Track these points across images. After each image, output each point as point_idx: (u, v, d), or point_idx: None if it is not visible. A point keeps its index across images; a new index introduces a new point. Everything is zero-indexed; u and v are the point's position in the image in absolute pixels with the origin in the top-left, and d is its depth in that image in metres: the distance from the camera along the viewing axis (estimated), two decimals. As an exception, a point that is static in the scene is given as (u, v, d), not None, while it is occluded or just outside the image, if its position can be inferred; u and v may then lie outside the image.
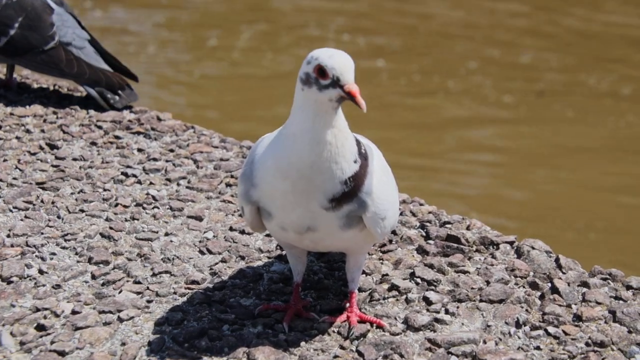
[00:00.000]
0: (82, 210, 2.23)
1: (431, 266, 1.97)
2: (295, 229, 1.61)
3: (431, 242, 2.08)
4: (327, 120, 1.52)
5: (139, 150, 2.63)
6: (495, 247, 2.07)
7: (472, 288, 1.88)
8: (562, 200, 4.41)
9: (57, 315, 1.76)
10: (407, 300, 1.84)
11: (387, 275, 1.93)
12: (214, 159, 2.56)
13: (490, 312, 1.81)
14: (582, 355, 1.67)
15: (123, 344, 1.68)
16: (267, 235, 2.11)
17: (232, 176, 2.45)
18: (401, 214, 2.21)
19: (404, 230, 2.14)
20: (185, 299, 1.83)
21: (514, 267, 1.97)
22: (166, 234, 2.12)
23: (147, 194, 2.33)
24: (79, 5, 6.78)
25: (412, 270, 1.95)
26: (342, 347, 1.68)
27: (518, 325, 1.76)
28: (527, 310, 1.82)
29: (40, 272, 1.93)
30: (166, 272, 1.94)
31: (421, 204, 2.30)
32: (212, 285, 1.89)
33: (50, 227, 2.14)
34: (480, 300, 1.85)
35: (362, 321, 1.74)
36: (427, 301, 1.83)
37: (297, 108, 1.54)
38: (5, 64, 3.13)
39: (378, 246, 2.06)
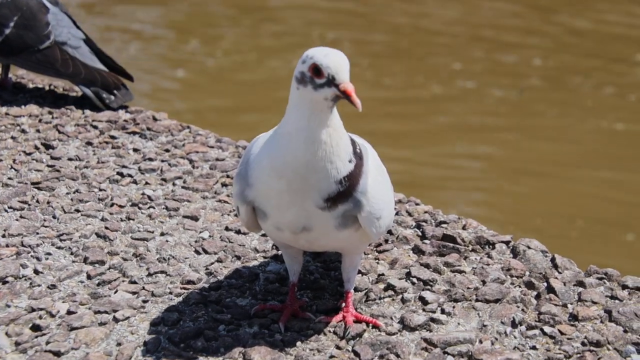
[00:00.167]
0: (77, 210, 2.22)
1: (427, 266, 1.97)
2: (291, 229, 1.61)
3: (427, 241, 2.08)
4: (322, 119, 1.52)
5: (135, 150, 2.63)
6: (491, 246, 2.07)
7: (468, 288, 1.88)
8: (546, 199, 4.44)
9: (52, 316, 1.76)
10: (403, 300, 1.84)
11: (383, 275, 1.93)
12: (209, 159, 2.56)
13: (486, 311, 1.81)
14: (578, 355, 1.67)
15: (119, 344, 1.67)
16: (263, 235, 2.11)
17: (227, 176, 2.44)
18: (397, 213, 2.21)
19: (399, 229, 2.14)
20: (181, 299, 1.83)
21: (510, 266, 1.97)
22: (162, 234, 2.12)
23: (143, 193, 2.33)
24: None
25: (408, 270, 1.95)
26: (338, 347, 1.67)
27: (514, 324, 1.76)
28: (523, 309, 1.82)
29: (36, 272, 1.92)
30: (162, 272, 1.94)
31: (417, 204, 2.30)
32: (208, 285, 1.88)
33: (46, 227, 2.13)
34: (476, 300, 1.85)
35: (358, 321, 1.74)
36: (423, 301, 1.83)
37: (292, 107, 1.54)
38: (1, 63, 3.12)
39: (374, 246, 2.06)
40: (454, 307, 1.81)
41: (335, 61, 1.49)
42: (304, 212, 1.57)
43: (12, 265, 1.93)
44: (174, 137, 2.73)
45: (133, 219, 2.19)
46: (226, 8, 7.24)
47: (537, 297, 1.87)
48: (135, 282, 1.90)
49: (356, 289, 1.87)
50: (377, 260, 2.00)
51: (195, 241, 2.09)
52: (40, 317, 1.75)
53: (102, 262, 1.98)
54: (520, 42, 6.54)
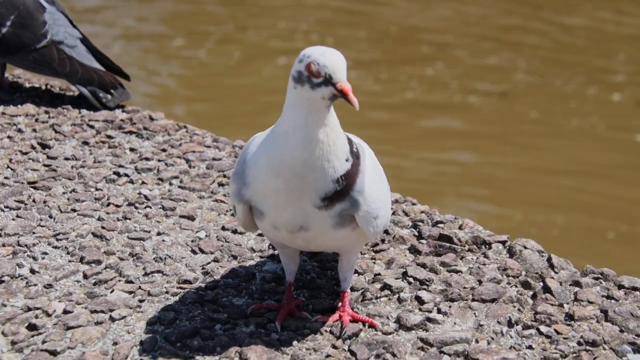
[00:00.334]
0: (74, 210, 2.22)
1: (423, 265, 1.97)
2: (288, 228, 1.61)
3: (423, 241, 2.08)
4: (319, 118, 1.52)
5: (131, 149, 2.63)
6: (487, 246, 2.07)
7: (465, 287, 1.89)
8: (531, 196, 4.46)
9: (48, 315, 1.76)
10: (400, 300, 1.84)
11: (379, 274, 1.94)
12: (206, 159, 2.56)
13: (483, 311, 1.81)
14: (574, 355, 1.67)
15: (115, 343, 1.67)
16: (260, 234, 2.11)
17: (224, 176, 2.44)
18: (393, 213, 2.21)
19: (396, 229, 2.14)
20: (177, 298, 1.83)
21: (506, 266, 1.97)
22: (158, 234, 2.12)
23: (139, 193, 2.32)
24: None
25: (404, 270, 1.95)
26: (334, 347, 1.67)
27: (510, 324, 1.76)
28: (519, 309, 1.82)
29: (32, 271, 1.92)
30: (158, 271, 1.94)
31: (414, 204, 2.30)
32: (205, 285, 1.88)
33: (42, 226, 2.13)
34: (473, 300, 1.85)
35: (354, 320, 1.74)
36: (420, 300, 1.83)
37: (290, 106, 1.54)
38: (-2, 62, 3.12)
39: (370, 245, 2.06)
40: (450, 306, 1.82)
41: (332, 60, 1.50)
42: (301, 211, 1.57)
43: (9, 264, 1.93)
44: (170, 137, 2.72)
45: (129, 219, 2.19)
46: (216, 6, 7.27)
47: (534, 296, 1.87)
48: (131, 282, 1.90)
49: (353, 289, 1.87)
50: (373, 260, 2.00)
51: (192, 241, 2.09)
52: (37, 317, 1.75)
53: (99, 262, 1.97)
54: (506, 43, 6.55)
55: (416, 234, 2.13)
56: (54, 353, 1.63)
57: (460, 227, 2.15)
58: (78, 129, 2.76)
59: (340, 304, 1.77)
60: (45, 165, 2.48)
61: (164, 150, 2.62)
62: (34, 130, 2.73)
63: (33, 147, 2.60)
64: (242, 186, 1.62)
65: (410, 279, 1.91)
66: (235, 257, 2.01)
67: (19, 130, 2.73)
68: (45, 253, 2.01)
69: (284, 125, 1.55)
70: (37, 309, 1.77)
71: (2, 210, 2.21)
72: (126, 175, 2.43)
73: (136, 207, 2.25)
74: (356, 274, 1.93)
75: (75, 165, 2.49)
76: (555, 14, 7.15)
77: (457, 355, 1.65)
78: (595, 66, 6.16)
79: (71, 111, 2.91)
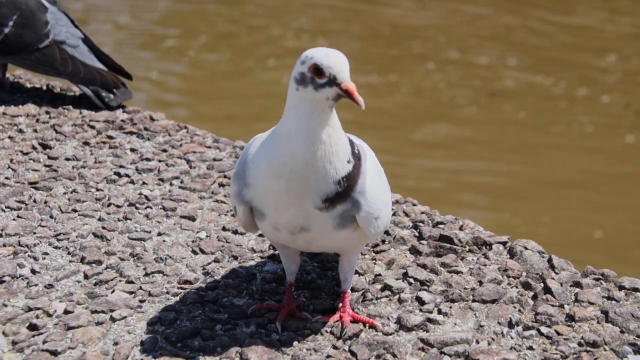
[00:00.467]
0: (74, 210, 2.22)
1: (424, 266, 1.97)
2: (289, 229, 1.61)
3: (424, 242, 2.08)
4: (322, 119, 1.52)
5: (132, 150, 2.63)
6: (488, 247, 2.07)
7: (465, 288, 1.89)
8: (519, 194, 4.47)
9: (49, 315, 1.76)
10: (400, 300, 1.84)
11: (380, 275, 1.94)
12: (207, 159, 2.56)
13: (483, 312, 1.81)
14: (575, 355, 1.67)
15: (115, 343, 1.67)
16: (260, 235, 2.11)
17: (225, 176, 2.44)
18: (394, 214, 2.22)
19: (396, 230, 2.15)
20: (178, 298, 1.83)
21: (507, 267, 1.97)
22: (159, 234, 2.12)
23: (140, 193, 2.33)
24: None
25: (405, 271, 1.95)
26: (334, 347, 1.68)
27: (511, 325, 1.77)
28: (519, 310, 1.82)
29: (33, 271, 1.92)
30: (159, 272, 1.94)
31: (414, 204, 2.30)
32: (205, 285, 1.88)
33: (43, 226, 2.13)
34: (473, 300, 1.85)
35: (354, 321, 1.74)
36: (420, 301, 1.83)
37: (292, 108, 1.54)
38: (-1, 63, 3.12)
39: (371, 246, 2.06)
40: (450, 307, 1.82)
41: (335, 61, 1.50)
42: (302, 213, 1.57)
43: (9, 264, 1.93)
44: (171, 137, 2.73)
45: (130, 219, 2.19)
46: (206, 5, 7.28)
47: (534, 297, 1.87)
48: (132, 282, 1.90)
49: (353, 289, 1.87)
50: (374, 261, 2.01)
51: (193, 241, 2.09)
52: (37, 317, 1.75)
53: (99, 262, 1.97)
54: (496, 42, 6.56)
55: (417, 234, 2.13)
56: (54, 353, 1.63)
57: (460, 228, 2.15)
58: (79, 130, 2.76)
59: (340, 304, 1.77)
60: (46, 166, 2.48)
61: (164, 150, 2.62)
62: (35, 131, 2.73)
63: (34, 148, 2.60)
64: (242, 187, 1.62)
65: (411, 280, 1.91)
66: (235, 258, 2.01)
67: (20, 131, 2.73)
68: (46, 253, 2.01)
69: (286, 127, 1.55)
70: (38, 309, 1.77)
71: (3, 211, 2.21)
72: (127, 175, 2.43)
73: (137, 208, 2.25)
74: (357, 275, 1.93)
75: (76, 166, 2.50)
76: (549, 14, 7.15)
77: (458, 355, 1.65)
78: (586, 66, 6.16)
79: (72, 111, 2.91)
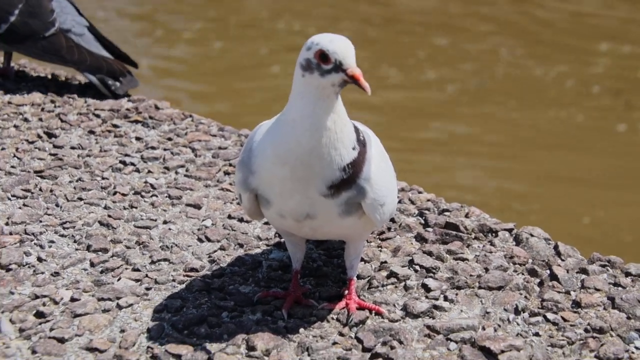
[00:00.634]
0: (80, 199, 2.22)
1: (430, 253, 1.97)
2: (294, 217, 1.61)
3: (430, 229, 2.08)
4: (328, 106, 1.52)
5: (137, 138, 2.63)
6: (493, 234, 2.07)
7: (471, 275, 1.89)
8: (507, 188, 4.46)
9: (56, 303, 1.76)
10: (406, 287, 1.84)
11: (385, 262, 1.94)
12: (212, 148, 2.56)
13: (489, 298, 1.81)
14: (581, 342, 1.67)
15: (122, 330, 1.68)
16: (266, 223, 2.11)
17: (230, 164, 2.44)
18: (400, 201, 2.21)
19: (402, 217, 2.14)
20: (184, 286, 1.83)
21: (513, 254, 1.97)
22: (165, 222, 2.12)
23: (146, 182, 2.33)
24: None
25: (410, 258, 1.95)
26: (341, 334, 1.68)
27: (517, 311, 1.76)
28: (526, 297, 1.82)
29: (39, 259, 1.93)
30: (165, 259, 1.94)
31: (420, 192, 2.30)
32: (211, 273, 1.89)
33: (49, 215, 2.14)
34: (479, 287, 1.85)
35: (361, 308, 1.74)
36: (426, 288, 1.83)
37: (297, 94, 1.54)
38: (4, 51, 3.12)
39: (377, 234, 2.06)
40: (456, 294, 1.82)
41: (341, 46, 1.49)
42: (308, 200, 1.57)
43: (16, 252, 1.93)
44: (176, 126, 2.73)
45: (136, 207, 2.19)
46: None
47: (540, 284, 1.87)
48: (138, 270, 1.90)
49: (359, 277, 1.87)
50: (379, 248, 2.01)
51: (198, 229, 2.09)
52: (44, 304, 1.75)
53: (105, 250, 1.98)
54: (488, 31, 6.53)
55: (422, 222, 2.13)
56: (61, 340, 1.64)
57: (466, 215, 2.15)
58: (84, 118, 2.76)
59: (346, 291, 1.77)
60: (51, 154, 2.49)
61: (169, 139, 2.62)
62: (40, 120, 2.73)
63: (39, 136, 2.60)
64: (248, 175, 1.62)
65: (417, 267, 1.91)
66: (241, 245, 2.01)
67: (25, 120, 2.73)
68: (52, 241, 2.01)
69: (291, 114, 1.55)
70: (45, 296, 1.78)
71: (9, 199, 2.21)
72: (132, 164, 2.43)
73: (142, 196, 2.25)
74: (362, 262, 1.93)
75: (82, 154, 2.50)
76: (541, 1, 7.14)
77: (464, 342, 1.66)
78: (576, 56, 6.13)
79: (77, 100, 2.91)
